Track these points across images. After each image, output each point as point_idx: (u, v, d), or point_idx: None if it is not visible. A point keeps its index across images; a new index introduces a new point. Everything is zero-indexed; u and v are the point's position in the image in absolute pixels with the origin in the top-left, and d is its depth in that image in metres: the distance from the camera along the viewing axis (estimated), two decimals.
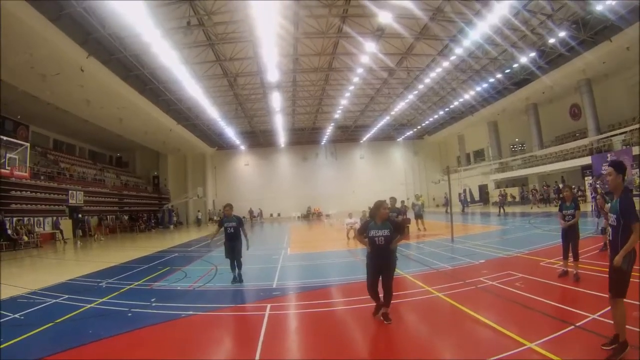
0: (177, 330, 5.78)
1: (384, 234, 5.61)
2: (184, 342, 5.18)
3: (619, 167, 4.04)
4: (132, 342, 5.26)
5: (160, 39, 18.01)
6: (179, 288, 8.61)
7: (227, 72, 26.89)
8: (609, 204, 9.12)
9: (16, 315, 6.64)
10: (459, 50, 24.24)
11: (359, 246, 14.09)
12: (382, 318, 5.46)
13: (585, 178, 26.14)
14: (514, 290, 6.71)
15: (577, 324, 4.86)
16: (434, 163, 49.42)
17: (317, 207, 46.40)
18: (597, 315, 5.02)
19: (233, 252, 8.77)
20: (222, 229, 8.93)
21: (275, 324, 5.87)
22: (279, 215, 46.94)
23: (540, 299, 6.07)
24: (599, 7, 19.96)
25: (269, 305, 6.74)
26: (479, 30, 21.20)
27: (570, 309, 5.54)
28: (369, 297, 5.77)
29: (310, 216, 45.56)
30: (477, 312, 5.72)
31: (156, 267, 11.64)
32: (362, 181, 47.73)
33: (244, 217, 44.43)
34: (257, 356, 4.59)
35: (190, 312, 6.50)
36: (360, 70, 26.35)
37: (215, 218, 41.65)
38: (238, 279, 8.74)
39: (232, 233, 8.81)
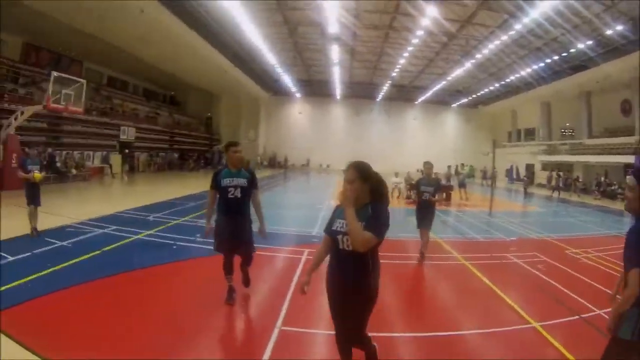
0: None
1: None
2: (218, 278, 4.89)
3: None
4: (175, 271, 5.68)
5: None
6: None
7: (288, 21, 26.95)
8: None
9: (64, 243, 6.84)
10: (518, 26, 23.49)
11: (402, 205, 14.42)
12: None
13: (627, 177, 24.08)
14: (534, 270, 6.91)
15: None
16: (484, 134, 47.21)
17: None
18: None
19: (232, 237, 4.36)
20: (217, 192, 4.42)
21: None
22: (328, 166, 46.52)
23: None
24: None
25: (306, 251, 7.11)
26: (540, 9, 20.52)
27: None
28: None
29: None
30: (495, 284, 5.91)
31: (203, 206, 11.74)
32: (412, 143, 47.20)
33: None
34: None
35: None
36: (420, 33, 25.56)
37: (264, 163, 41.48)
38: (246, 282, 4.87)
39: (236, 200, 4.35)
